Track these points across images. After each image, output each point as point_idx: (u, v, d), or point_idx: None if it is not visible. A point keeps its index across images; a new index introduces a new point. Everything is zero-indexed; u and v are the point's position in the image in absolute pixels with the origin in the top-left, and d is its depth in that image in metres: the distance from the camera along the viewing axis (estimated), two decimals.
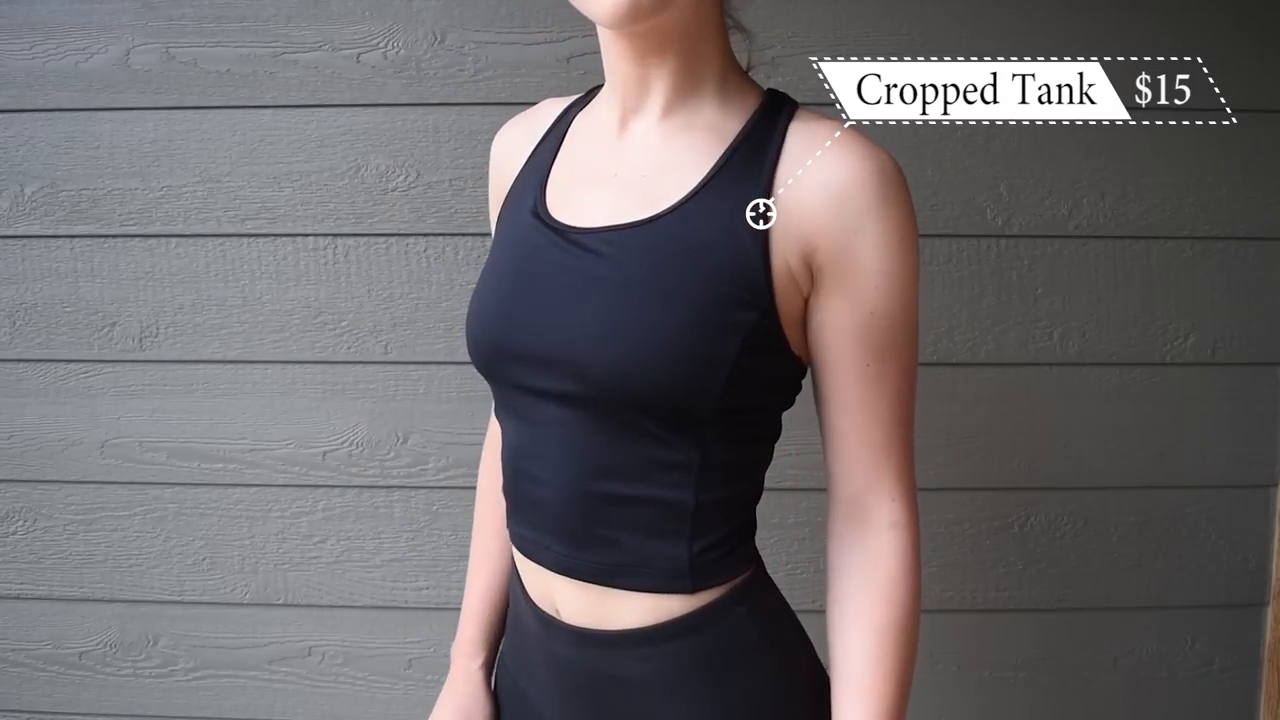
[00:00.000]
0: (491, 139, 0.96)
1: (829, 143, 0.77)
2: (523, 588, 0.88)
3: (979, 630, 1.53)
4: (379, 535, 1.50)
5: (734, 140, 0.79)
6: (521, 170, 0.88)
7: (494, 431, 0.98)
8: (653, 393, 0.75)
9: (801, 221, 0.75)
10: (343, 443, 1.48)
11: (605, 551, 0.80)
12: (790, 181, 0.75)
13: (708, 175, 0.77)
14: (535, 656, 0.89)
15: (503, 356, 0.82)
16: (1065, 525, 1.51)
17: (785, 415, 1.50)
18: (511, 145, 0.92)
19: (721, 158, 0.78)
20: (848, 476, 0.83)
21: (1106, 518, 1.50)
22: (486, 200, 0.98)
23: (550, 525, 0.82)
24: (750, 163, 0.77)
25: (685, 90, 0.80)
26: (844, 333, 0.77)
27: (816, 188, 0.75)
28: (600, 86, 0.88)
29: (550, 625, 0.86)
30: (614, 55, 0.81)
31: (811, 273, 0.76)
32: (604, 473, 0.79)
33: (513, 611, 0.94)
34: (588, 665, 0.85)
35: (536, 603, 0.87)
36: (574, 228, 0.80)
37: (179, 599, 1.53)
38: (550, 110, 0.92)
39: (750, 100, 0.83)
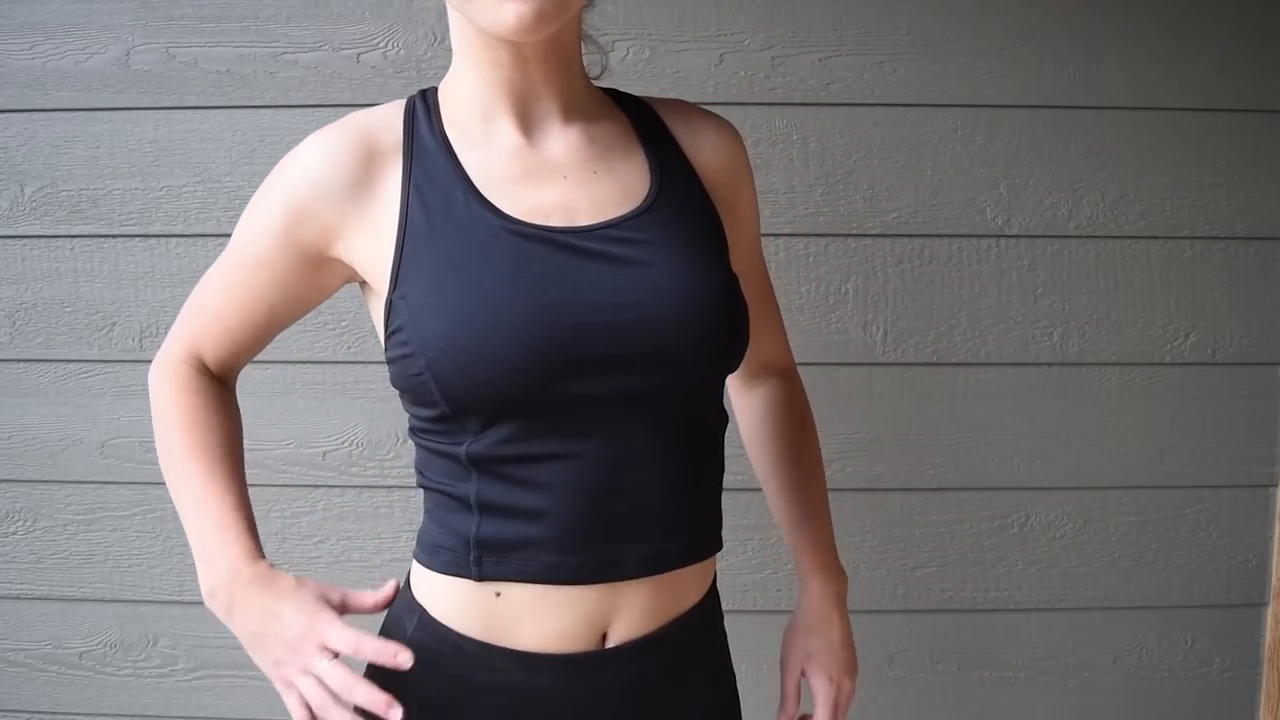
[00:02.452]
0: None
1: (692, 115, 0.93)
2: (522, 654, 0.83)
3: (979, 630, 1.53)
4: (379, 535, 1.50)
5: (634, 128, 0.89)
6: (410, 187, 0.80)
7: (197, 390, 0.90)
8: (730, 355, 0.85)
9: (714, 176, 0.90)
10: (343, 443, 1.48)
11: (699, 527, 0.87)
12: (692, 149, 0.90)
13: (650, 160, 0.87)
14: None
15: (570, 373, 0.76)
16: (1065, 525, 1.51)
17: None
18: (351, 166, 0.81)
19: (643, 144, 0.88)
20: (760, 349, 1.02)
21: (1106, 518, 1.51)
22: None
23: (653, 527, 0.82)
24: (660, 142, 0.89)
25: (571, 92, 0.86)
26: (746, 249, 0.96)
27: (716, 152, 0.91)
28: (423, 94, 0.87)
29: (585, 665, 0.83)
30: (501, 67, 0.81)
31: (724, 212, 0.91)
32: (698, 451, 0.85)
33: (452, 696, 0.83)
34: (643, 679, 0.85)
35: (559, 649, 0.82)
36: (572, 229, 0.80)
37: (179, 599, 1.53)
38: (376, 127, 0.83)
39: (601, 94, 0.91)
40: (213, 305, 0.90)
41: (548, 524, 0.79)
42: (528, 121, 0.84)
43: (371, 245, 0.82)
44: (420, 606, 0.86)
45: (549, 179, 0.82)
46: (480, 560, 0.81)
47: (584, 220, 0.81)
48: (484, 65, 0.82)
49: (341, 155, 0.82)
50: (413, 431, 0.87)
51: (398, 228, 0.80)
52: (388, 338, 0.82)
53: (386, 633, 0.87)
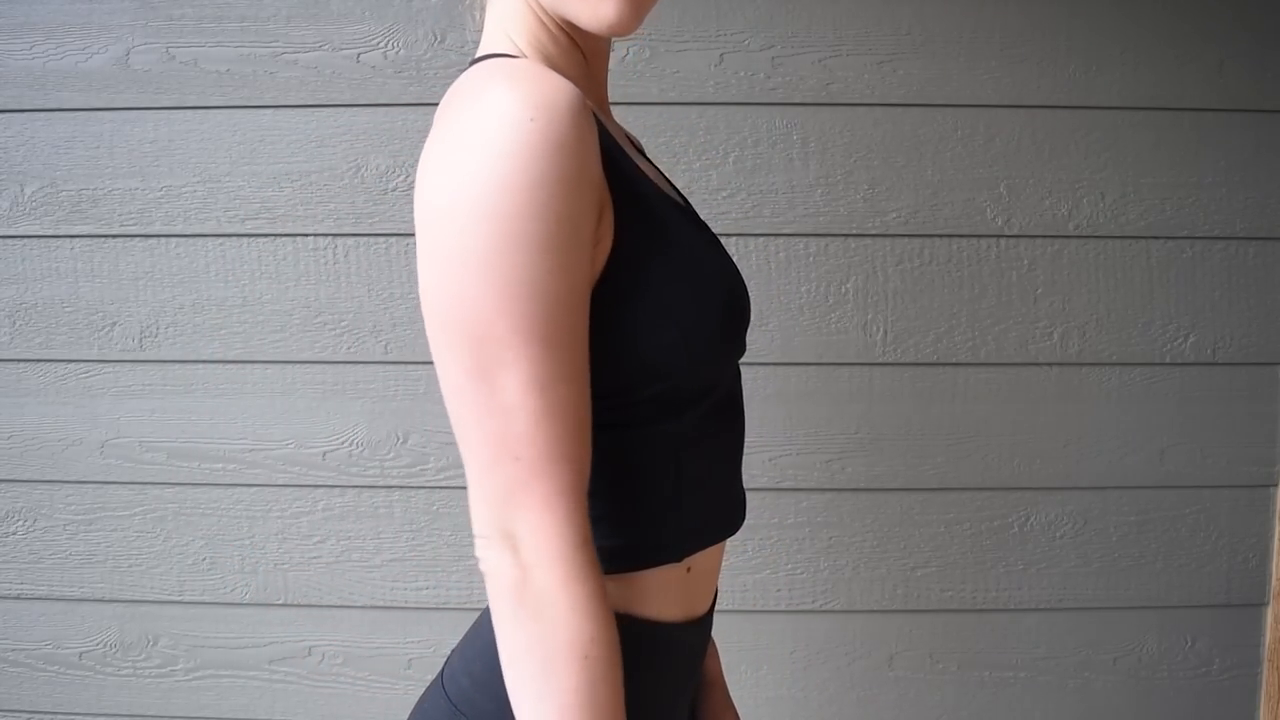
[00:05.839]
0: None
1: None
2: (681, 623, 0.80)
3: (979, 630, 1.53)
4: (379, 535, 1.50)
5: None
6: (620, 160, 0.71)
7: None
8: None
9: None
10: (343, 443, 1.48)
11: None
12: None
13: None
14: (683, 692, 0.83)
15: (744, 340, 0.81)
16: (1065, 525, 1.51)
17: (785, 415, 1.50)
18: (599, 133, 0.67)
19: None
20: None
21: (1106, 518, 1.50)
22: None
23: (740, 482, 0.84)
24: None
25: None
26: None
27: None
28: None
29: (701, 628, 0.82)
30: (576, 60, 0.78)
31: None
32: None
33: (654, 687, 0.77)
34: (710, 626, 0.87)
35: (696, 616, 0.80)
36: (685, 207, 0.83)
37: (179, 599, 1.53)
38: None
39: None
40: (574, 415, 0.62)
41: (718, 483, 0.79)
42: (601, 110, 0.84)
43: (608, 215, 0.66)
44: (627, 616, 0.74)
45: (641, 160, 0.84)
46: (683, 540, 0.75)
47: (679, 201, 0.83)
48: (565, 56, 0.78)
49: (588, 110, 0.63)
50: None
51: (610, 194, 0.67)
52: (624, 313, 0.68)
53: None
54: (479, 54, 0.76)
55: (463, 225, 0.57)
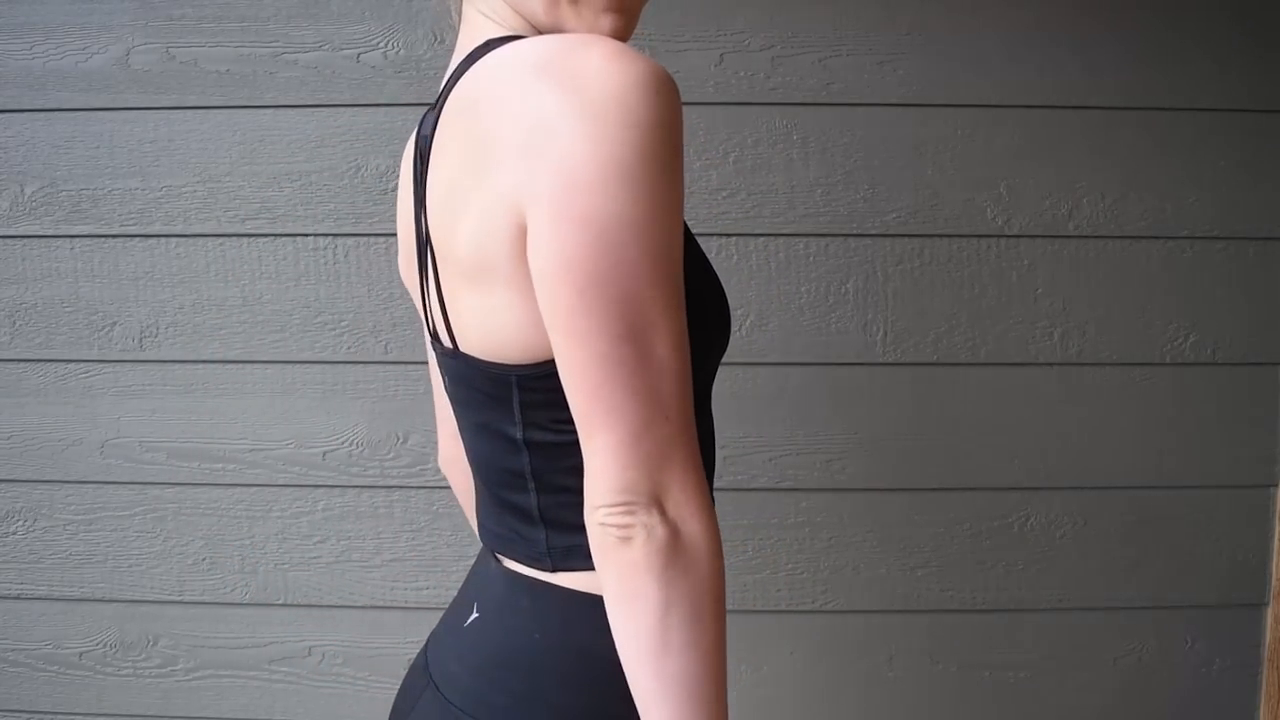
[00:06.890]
0: None
1: None
2: None
3: (979, 630, 1.53)
4: (379, 535, 1.50)
5: None
6: None
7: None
8: None
9: None
10: (343, 443, 1.48)
11: None
12: None
13: None
14: None
15: None
16: (1065, 525, 1.51)
17: (785, 415, 1.50)
18: None
19: None
20: None
21: (1106, 518, 1.50)
22: None
23: None
24: None
25: None
26: None
27: None
28: None
29: None
30: None
31: None
32: None
33: None
34: None
35: None
36: None
37: (179, 599, 1.53)
38: None
39: None
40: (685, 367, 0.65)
41: (708, 483, 0.79)
42: None
43: None
44: None
45: None
46: None
47: None
48: None
49: None
50: None
51: None
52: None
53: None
54: (492, 38, 0.72)
55: (617, 194, 0.59)
